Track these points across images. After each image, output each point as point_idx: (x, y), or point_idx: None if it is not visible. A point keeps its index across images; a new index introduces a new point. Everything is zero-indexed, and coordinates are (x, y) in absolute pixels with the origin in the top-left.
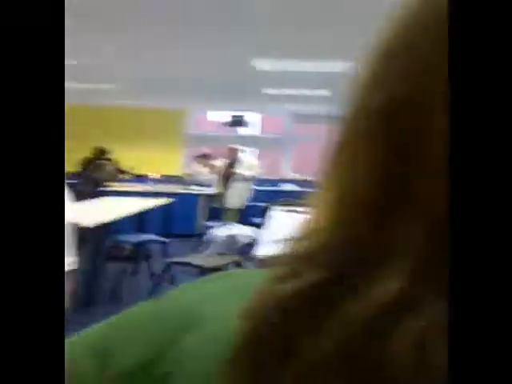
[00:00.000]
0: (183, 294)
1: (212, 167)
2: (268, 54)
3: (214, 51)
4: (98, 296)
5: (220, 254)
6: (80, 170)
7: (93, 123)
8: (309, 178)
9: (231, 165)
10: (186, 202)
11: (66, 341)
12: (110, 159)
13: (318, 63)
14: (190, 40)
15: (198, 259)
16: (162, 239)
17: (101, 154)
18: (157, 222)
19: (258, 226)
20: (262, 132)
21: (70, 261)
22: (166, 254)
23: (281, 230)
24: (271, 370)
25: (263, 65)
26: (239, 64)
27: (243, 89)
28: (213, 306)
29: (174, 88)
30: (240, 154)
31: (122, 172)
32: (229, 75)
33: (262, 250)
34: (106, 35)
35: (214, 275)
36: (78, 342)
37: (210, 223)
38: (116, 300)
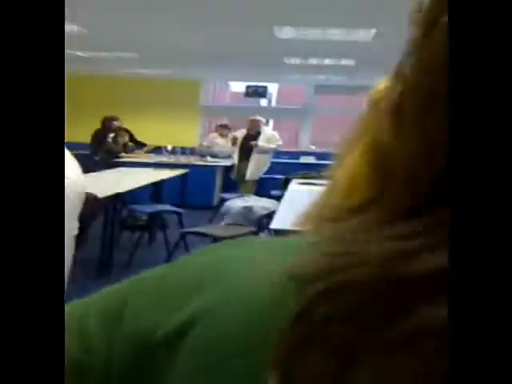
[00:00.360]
0: (197, 258)
1: (233, 138)
2: (290, 21)
3: (236, 18)
4: (114, 264)
5: (236, 225)
6: (96, 140)
7: (109, 92)
8: (328, 151)
9: (252, 136)
10: (202, 174)
11: (80, 301)
12: (127, 130)
13: (343, 31)
14: (210, 7)
15: (213, 229)
16: (177, 210)
17: (110, 121)
18: (173, 193)
19: (277, 198)
20: (278, 103)
21: (74, 225)
22: (181, 224)
23: (299, 203)
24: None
25: (285, 33)
26: (261, 32)
27: (265, 58)
28: (232, 268)
29: (194, 57)
30: (262, 126)
31: (142, 145)
32: (250, 44)
33: (279, 222)
34: (125, 2)
35: (226, 242)
36: (90, 303)
37: (226, 195)
38: (132, 268)
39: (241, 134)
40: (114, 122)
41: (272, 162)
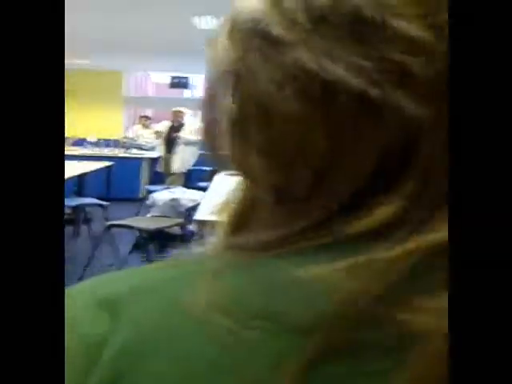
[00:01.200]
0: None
1: (156, 132)
2: (209, 11)
3: (153, 9)
4: None
5: (162, 217)
6: None
7: None
8: None
9: (175, 128)
10: (127, 166)
11: None
12: None
13: None
14: None
15: (139, 222)
16: (101, 203)
17: None
18: (97, 185)
19: (205, 189)
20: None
21: None
22: (107, 217)
23: (223, 194)
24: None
25: (204, 23)
26: (179, 22)
27: (184, 48)
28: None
29: (113, 48)
30: (185, 118)
31: None
32: (169, 34)
33: (203, 214)
34: None
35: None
36: None
37: (152, 187)
38: None
39: (163, 126)
40: None
41: (201, 154)
